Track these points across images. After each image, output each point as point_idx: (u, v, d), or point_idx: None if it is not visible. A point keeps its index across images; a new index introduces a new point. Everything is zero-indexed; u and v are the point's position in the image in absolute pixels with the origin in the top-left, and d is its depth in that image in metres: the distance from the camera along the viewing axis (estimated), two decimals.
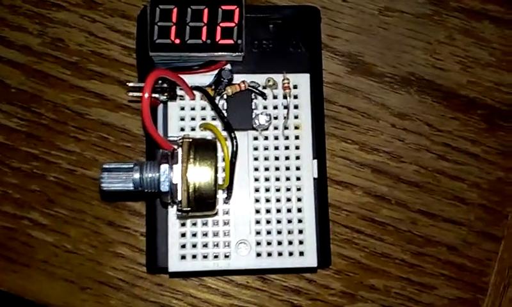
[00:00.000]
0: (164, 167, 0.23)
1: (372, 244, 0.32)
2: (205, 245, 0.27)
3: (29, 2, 0.33)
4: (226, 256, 0.27)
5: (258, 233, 0.28)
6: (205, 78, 0.28)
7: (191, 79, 0.28)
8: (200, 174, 0.23)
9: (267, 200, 0.28)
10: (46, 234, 0.31)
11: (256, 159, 0.28)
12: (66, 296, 0.31)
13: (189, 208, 0.23)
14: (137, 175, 0.23)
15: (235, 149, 0.25)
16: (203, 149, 0.23)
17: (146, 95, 0.23)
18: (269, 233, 0.28)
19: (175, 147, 0.24)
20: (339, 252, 0.31)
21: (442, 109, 0.33)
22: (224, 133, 0.27)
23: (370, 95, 0.33)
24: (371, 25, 0.33)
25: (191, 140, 0.23)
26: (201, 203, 0.23)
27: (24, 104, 0.32)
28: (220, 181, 0.26)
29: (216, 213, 0.27)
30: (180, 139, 0.23)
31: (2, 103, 0.32)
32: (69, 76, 0.32)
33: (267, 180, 0.28)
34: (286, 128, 0.28)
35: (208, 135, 0.28)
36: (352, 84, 0.33)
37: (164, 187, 0.23)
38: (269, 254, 0.28)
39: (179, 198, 0.23)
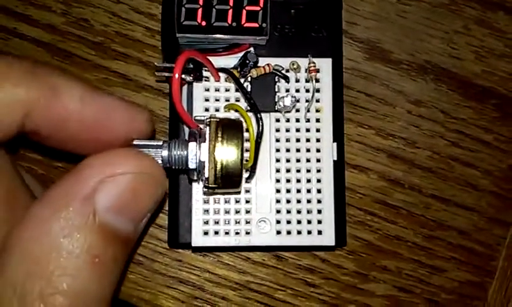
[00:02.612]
0: (193, 145, 0.24)
1: (385, 226, 0.33)
2: (227, 222, 0.28)
3: None
4: (247, 233, 0.28)
5: (278, 211, 0.29)
6: (227, 61, 0.29)
7: (214, 61, 0.29)
8: (227, 153, 0.24)
9: (288, 180, 0.29)
10: None
11: (278, 140, 0.29)
12: None
13: (215, 185, 0.24)
14: (165, 153, 0.24)
15: (260, 129, 0.26)
16: (230, 128, 0.24)
17: (177, 76, 0.24)
18: (288, 212, 0.29)
19: (201, 126, 0.25)
20: (353, 234, 0.32)
21: (457, 97, 0.34)
22: (249, 114, 0.27)
23: (388, 82, 0.33)
24: (389, 13, 0.34)
25: (218, 119, 0.24)
26: (227, 180, 0.24)
27: None
28: (244, 161, 0.27)
29: (240, 191, 0.28)
30: (207, 119, 0.24)
31: None
32: (93, 56, 0.33)
33: (288, 161, 0.29)
34: (308, 111, 0.29)
35: (231, 115, 0.28)
36: (370, 71, 0.33)
37: (192, 164, 0.24)
38: (289, 232, 0.28)
39: (206, 175, 0.24)
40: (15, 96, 0.20)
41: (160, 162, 0.24)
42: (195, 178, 0.25)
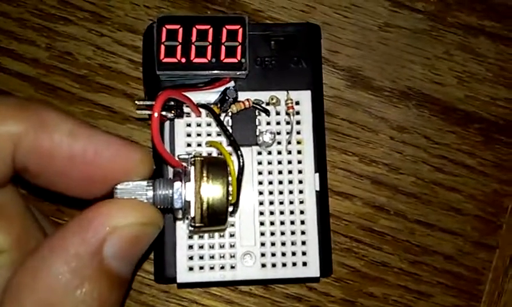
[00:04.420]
0: (178, 184, 0.24)
1: (371, 252, 0.33)
2: (212, 257, 0.28)
3: (37, 16, 0.33)
4: (232, 267, 0.28)
5: (262, 244, 0.29)
6: (209, 95, 0.29)
7: (196, 96, 0.29)
8: (213, 192, 0.24)
9: (271, 213, 0.29)
10: None
11: (260, 173, 0.29)
12: None
13: (201, 224, 0.24)
14: (150, 193, 0.24)
15: (241, 166, 0.26)
16: (215, 167, 0.24)
17: (156, 115, 0.24)
18: (273, 244, 0.29)
19: (185, 165, 0.25)
20: (339, 261, 0.32)
21: (440, 122, 0.34)
22: (229, 149, 0.28)
23: (370, 109, 0.34)
24: (371, 40, 0.34)
25: (202, 159, 0.24)
26: (214, 218, 0.24)
27: None
28: None
29: (225, 229, 0.28)
30: (191, 157, 0.24)
31: None
32: (77, 89, 0.33)
33: (271, 193, 0.29)
34: (289, 143, 0.29)
35: (213, 150, 0.29)
36: (353, 98, 0.34)
37: (177, 204, 0.24)
38: (274, 265, 0.29)
39: (192, 214, 0.24)
40: (3, 128, 0.21)
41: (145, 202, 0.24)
42: (180, 217, 0.25)
